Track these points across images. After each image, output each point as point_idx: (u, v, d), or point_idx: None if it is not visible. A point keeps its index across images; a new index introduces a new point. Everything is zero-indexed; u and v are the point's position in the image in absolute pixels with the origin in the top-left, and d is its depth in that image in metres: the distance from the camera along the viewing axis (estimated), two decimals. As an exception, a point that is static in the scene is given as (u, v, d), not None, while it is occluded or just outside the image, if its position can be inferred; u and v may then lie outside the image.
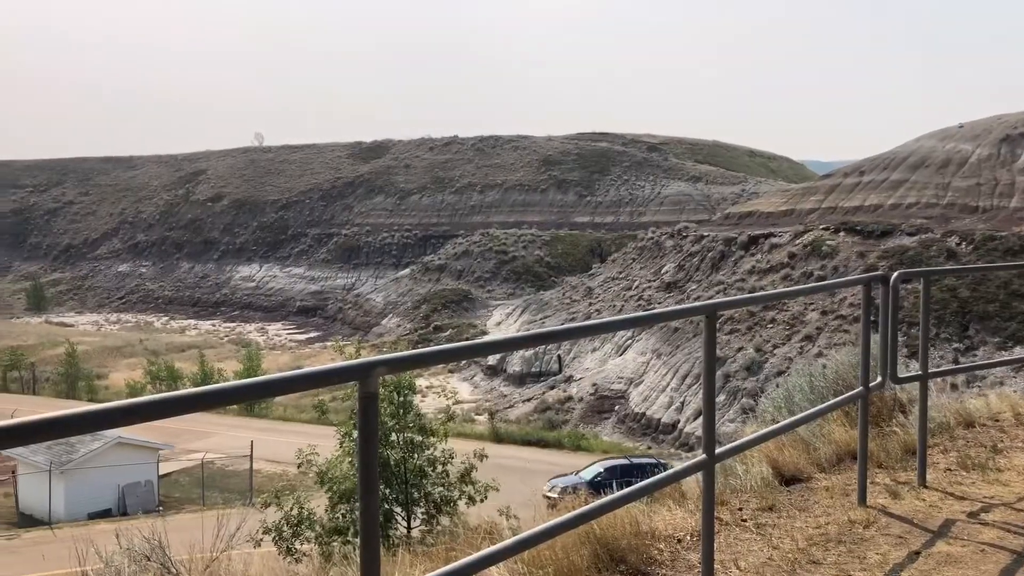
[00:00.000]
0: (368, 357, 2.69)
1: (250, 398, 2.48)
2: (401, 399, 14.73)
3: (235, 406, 43.18)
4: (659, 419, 43.76)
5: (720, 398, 41.98)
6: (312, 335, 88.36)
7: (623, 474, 24.79)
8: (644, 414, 44.88)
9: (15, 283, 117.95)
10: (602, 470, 29.08)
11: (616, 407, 47.48)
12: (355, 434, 14.28)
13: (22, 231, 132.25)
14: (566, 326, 4.12)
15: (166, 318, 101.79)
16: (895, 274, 5.75)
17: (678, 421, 42.70)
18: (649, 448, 41.16)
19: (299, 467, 15.23)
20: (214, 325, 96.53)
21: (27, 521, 30.41)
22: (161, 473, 33.81)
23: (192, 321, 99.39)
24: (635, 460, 30.22)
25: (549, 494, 26.90)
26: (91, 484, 30.96)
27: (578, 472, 29.77)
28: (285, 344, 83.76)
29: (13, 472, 32.43)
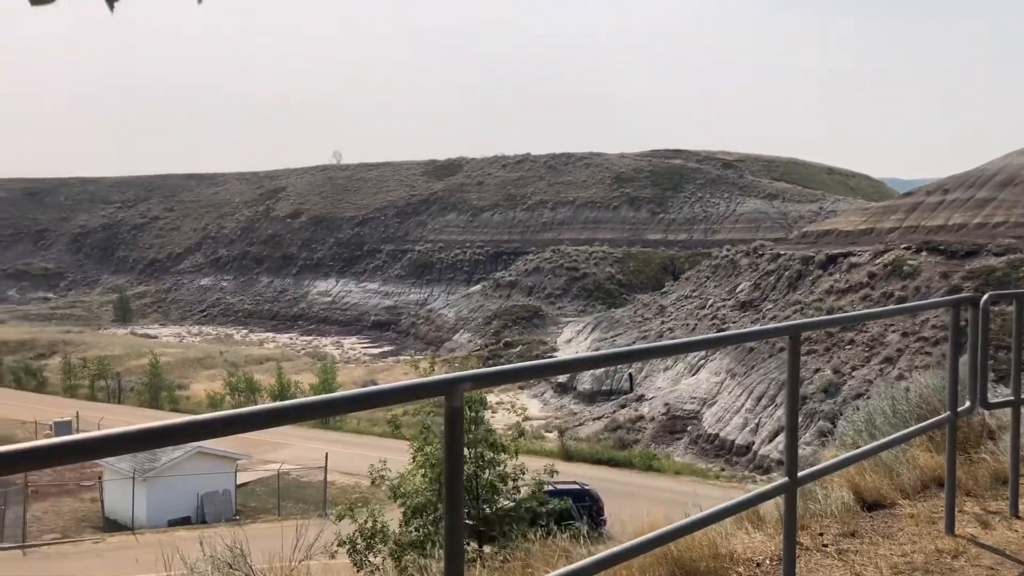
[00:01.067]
0: (454, 373, 2.74)
1: (341, 411, 2.55)
2: (472, 414, 14.80)
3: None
4: (733, 440, 43.00)
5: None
6: (385, 349, 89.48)
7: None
8: (717, 435, 44.16)
9: (103, 295, 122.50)
10: None
11: (689, 427, 46.83)
12: (427, 448, 14.44)
13: (110, 245, 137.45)
14: (651, 344, 4.12)
15: (245, 331, 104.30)
16: (985, 296, 5.58)
17: (753, 443, 41.88)
18: (722, 470, 40.46)
19: (373, 483, 15.40)
20: (291, 338, 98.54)
21: (111, 526, 31.43)
22: (238, 483, 34.56)
23: (270, 334, 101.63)
24: (559, 486, 26.10)
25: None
26: (172, 492, 31.85)
27: None
28: (359, 358, 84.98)
29: (100, 478, 33.57)
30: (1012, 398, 5.80)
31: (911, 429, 5.54)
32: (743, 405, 44.72)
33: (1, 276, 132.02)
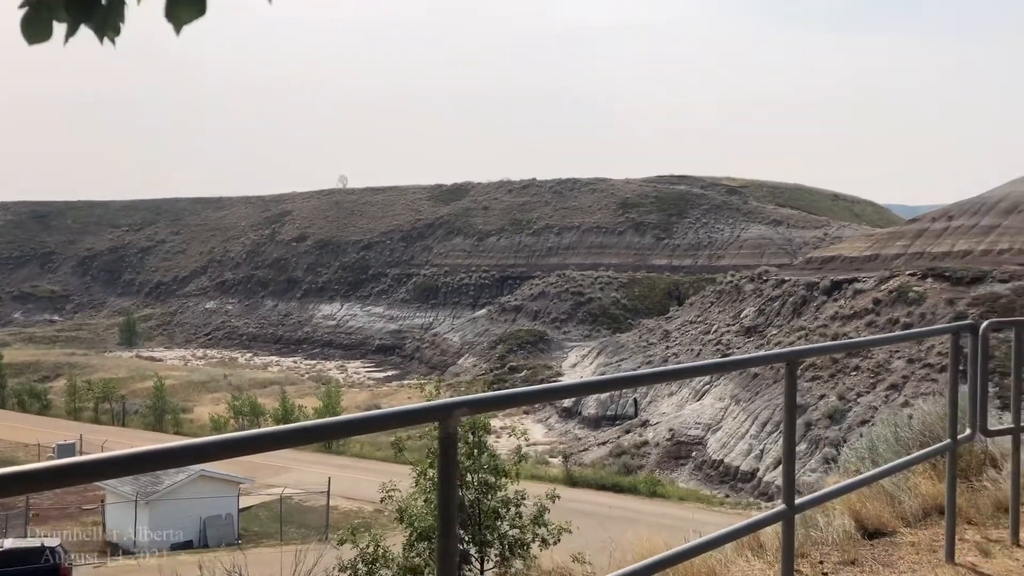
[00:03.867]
0: (449, 398, 2.76)
1: (336, 436, 2.57)
2: (475, 439, 14.77)
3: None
4: (737, 467, 42.77)
5: (801, 447, 40.86)
6: (390, 373, 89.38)
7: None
8: (722, 461, 43.94)
9: (109, 318, 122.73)
10: None
11: (693, 453, 46.61)
12: (431, 473, 14.40)
13: (117, 268, 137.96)
14: (646, 371, 4.14)
15: (250, 354, 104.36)
16: (985, 323, 5.59)
17: (757, 469, 41.66)
18: (727, 497, 40.21)
19: (382, 500, 15.33)
20: (295, 362, 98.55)
21: (113, 550, 31.29)
22: (241, 507, 34.43)
23: (274, 358, 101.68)
24: (17, 546, 22.97)
25: None
26: (174, 515, 31.70)
27: None
28: (363, 382, 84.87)
29: (102, 501, 33.48)
30: (1012, 426, 5.79)
31: (910, 457, 5.54)
32: (747, 431, 44.53)
33: (6, 298, 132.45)
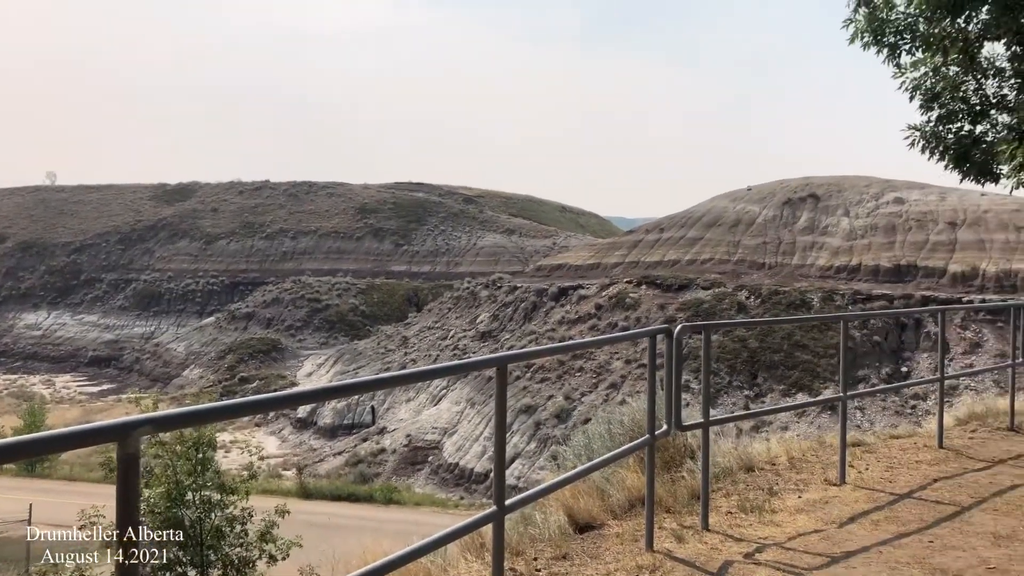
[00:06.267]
0: (129, 416, 2.53)
1: (-10, 463, 2.27)
2: (200, 456, 13.96)
3: (11, 465, 39.43)
4: (472, 469, 43.85)
5: (531, 446, 42.72)
6: (105, 387, 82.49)
7: None
8: (457, 464, 44.85)
9: None
10: None
11: (430, 458, 47.19)
12: (146, 493, 13.40)
13: None
14: (351, 381, 4.07)
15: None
16: (678, 327, 6.09)
17: (491, 470, 42.94)
18: (462, 499, 41.08)
19: (81, 527, 14.00)
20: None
21: None
22: (-82, 544, 30.20)
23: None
24: None
25: None
26: None
27: None
28: (75, 397, 77.64)
29: None
30: (702, 420, 6.35)
31: (613, 452, 5.89)
32: (482, 433, 45.80)
33: None
